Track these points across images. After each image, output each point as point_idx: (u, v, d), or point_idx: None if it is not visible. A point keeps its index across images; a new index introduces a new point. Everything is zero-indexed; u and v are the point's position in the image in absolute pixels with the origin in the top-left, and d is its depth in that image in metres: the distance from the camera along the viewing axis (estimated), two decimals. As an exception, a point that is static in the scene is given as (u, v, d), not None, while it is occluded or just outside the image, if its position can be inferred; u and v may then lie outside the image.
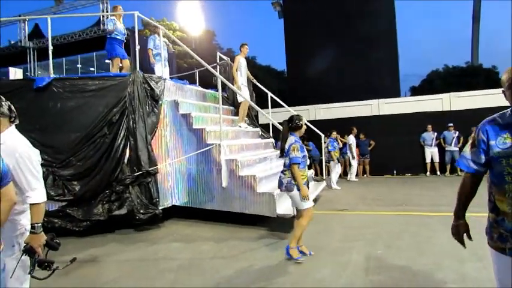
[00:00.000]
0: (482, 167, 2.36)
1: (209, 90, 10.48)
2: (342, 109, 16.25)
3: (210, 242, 6.21)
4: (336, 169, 12.10)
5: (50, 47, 7.93)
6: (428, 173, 14.09)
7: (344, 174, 13.66)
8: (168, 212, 7.66)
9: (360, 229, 6.68)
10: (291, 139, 5.24)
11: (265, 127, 11.17)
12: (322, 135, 11.61)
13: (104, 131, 7.06)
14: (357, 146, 13.88)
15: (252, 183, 6.90)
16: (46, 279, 2.71)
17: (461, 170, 2.55)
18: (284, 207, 6.69)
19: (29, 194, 2.66)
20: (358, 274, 4.57)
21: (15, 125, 2.86)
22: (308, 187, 5.26)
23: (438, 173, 13.93)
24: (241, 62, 9.81)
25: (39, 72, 23.48)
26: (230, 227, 7.14)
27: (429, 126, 14.00)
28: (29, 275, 2.73)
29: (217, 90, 10.41)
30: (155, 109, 7.45)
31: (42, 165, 6.61)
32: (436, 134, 13.91)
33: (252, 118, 11.09)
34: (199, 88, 10.15)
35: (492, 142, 2.25)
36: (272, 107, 11.47)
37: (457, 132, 13.45)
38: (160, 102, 7.55)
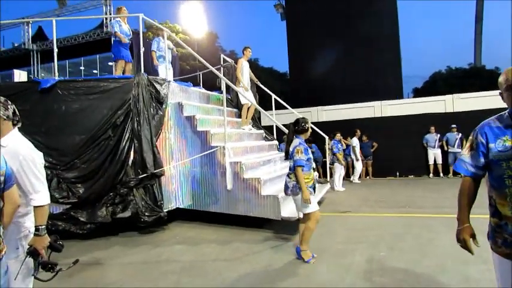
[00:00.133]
0: (481, 170, 2.33)
1: (213, 93, 10.48)
2: (345, 111, 16.26)
3: (214, 245, 6.20)
4: (340, 171, 12.13)
5: (55, 49, 7.94)
6: (431, 174, 14.05)
7: (347, 176, 13.64)
8: (172, 215, 7.64)
9: (363, 231, 6.67)
10: (296, 142, 5.22)
11: (268, 129, 11.18)
12: (326, 137, 11.60)
13: (109, 134, 7.05)
14: (360, 147, 13.86)
15: (256, 185, 6.89)
16: (49, 281, 2.71)
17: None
18: (289, 210, 6.67)
19: (33, 196, 2.67)
20: (361, 276, 4.56)
21: (19, 127, 2.88)
22: (315, 190, 5.22)
23: (441, 174, 13.89)
24: (244, 64, 9.84)
25: (43, 75, 23.55)
26: (234, 229, 7.12)
27: (432, 128, 13.97)
28: (33, 277, 2.74)
29: (221, 92, 10.46)
30: (159, 111, 7.44)
31: (46, 167, 6.66)
32: (439, 135, 13.88)
33: (256, 120, 11.09)
34: (203, 90, 10.15)
35: (491, 145, 2.23)
36: (275, 109, 11.47)
37: (460, 134, 13.42)
38: (164, 104, 7.54)
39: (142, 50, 8.06)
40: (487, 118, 2.37)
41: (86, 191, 6.92)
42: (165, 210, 7.10)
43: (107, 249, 6.23)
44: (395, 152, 14.34)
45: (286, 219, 6.48)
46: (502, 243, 2.21)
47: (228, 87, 8.57)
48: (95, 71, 25.16)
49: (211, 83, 12.18)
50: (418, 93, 39.26)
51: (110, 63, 22.94)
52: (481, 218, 2.39)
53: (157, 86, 7.50)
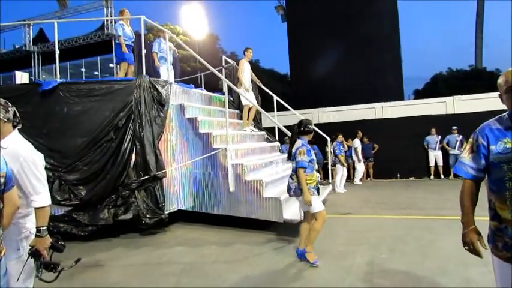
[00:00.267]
0: (482, 173, 2.31)
1: (215, 94, 10.48)
2: (346, 112, 16.26)
3: (215, 246, 6.20)
4: (342, 172, 12.14)
5: (57, 51, 7.96)
6: (432, 176, 14.04)
7: (347, 177, 13.63)
8: (174, 216, 7.65)
9: (364, 233, 6.67)
10: (298, 143, 5.22)
11: (269, 130, 11.17)
12: (328, 139, 11.61)
13: (110, 136, 7.05)
14: (361, 149, 13.86)
15: (258, 187, 6.87)
16: (51, 282, 2.73)
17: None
18: (291, 212, 6.66)
19: (33, 198, 2.68)
20: (362, 278, 4.56)
21: (20, 129, 2.88)
22: (318, 192, 5.22)
23: (442, 176, 13.87)
24: (245, 66, 9.85)
25: (44, 77, 23.54)
26: (236, 231, 7.11)
27: (433, 130, 13.96)
28: (33, 278, 2.76)
29: (222, 94, 10.47)
30: (161, 113, 7.44)
31: (48, 169, 6.70)
32: (440, 137, 13.86)
33: (258, 121, 11.09)
34: (205, 92, 10.14)
35: (492, 147, 2.21)
36: (276, 110, 11.47)
37: (461, 136, 13.42)
38: (166, 106, 7.54)
39: (144, 52, 8.06)
40: (488, 120, 2.36)
41: (88, 193, 6.92)
42: (166, 212, 7.10)
43: (108, 251, 6.23)
44: (396, 154, 14.32)
45: (289, 221, 6.46)
46: (503, 247, 2.19)
47: (229, 88, 8.57)
48: (96, 73, 25.14)
49: (212, 85, 12.19)
50: (419, 94, 39.21)
51: (111, 65, 22.99)
52: (481, 220, 2.39)
53: (159, 88, 7.50)
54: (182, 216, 7.95)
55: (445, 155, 13.83)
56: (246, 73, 9.83)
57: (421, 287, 4.29)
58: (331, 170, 11.95)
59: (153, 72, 9.32)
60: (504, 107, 2.25)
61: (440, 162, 13.88)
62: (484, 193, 2.38)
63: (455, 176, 13.21)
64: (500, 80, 2.24)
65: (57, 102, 7.23)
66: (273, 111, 11.07)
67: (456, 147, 13.45)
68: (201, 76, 13.32)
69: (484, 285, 4.06)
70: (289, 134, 6.83)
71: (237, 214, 7.15)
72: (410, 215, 7.97)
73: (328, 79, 27.60)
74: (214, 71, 8.35)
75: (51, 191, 6.75)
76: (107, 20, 21.89)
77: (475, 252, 2.31)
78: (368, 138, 14.40)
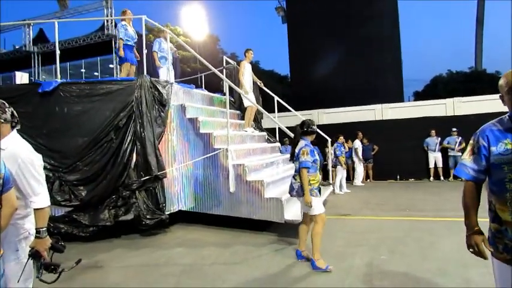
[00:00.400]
0: (483, 174, 2.30)
1: (216, 95, 10.47)
2: (346, 114, 16.27)
3: (216, 247, 6.19)
4: (342, 174, 12.16)
5: (57, 52, 7.95)
6: (431, 178, 14.05)
7: (347, 179, 13.62)
8: (175, 217, 7.63)
9: (364, 234, 6.67)
10: (302, 143, 5.21)
11: (270, 131, 11.16)
12: (329, 140, 11.61)
13: (111, 136, 7.03)
14: (361, 150, 13.87)
15: (259, 188, 6.86)
16: (51, 283, 2.71)
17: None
18: (292, 212, 6.64)
19: (33, 199, 2.67)
20: (361, 280, 4.56)
21: (18, 129, 2.87)
22: (320, 192, 5.20)
23: (442, 178, 13.88)
24: (246, 67, 9.84)
25: (44, 77, 23.54)
26: (237, 232, 7.10)
27: (433, 131, 13.98)
28: (32, 279, 2.76)
29: (223, 95, 10.47)
30: (162, 113, 7.43)
31: (48, 170, 6.72)
32: (439, 139, 13.89)
33: (258, 122, 11.09)
34: (206, 92, 10.13)
35: (493, 148, 2.21)
36: (277, 111, 11.47)
37: (460, 138, 13.45)
38: (167, 106, 7.53)
39: (144, 52, 8.06)
40: (488, 122, 2.36)
41: (88, 193, 6.90)
42: (167, 213, 7.08)
43: (108, 252, 6.22)
44: (396, 155, 14.36)
45: (290, 222, 6.44)
46: (503, 249, 2.19)
47: (230, 89, 8.57)
48: (96, 73, 25.15)
49: (213, 85, 12.19)
50: (418, 96, 39.31)
51: (111, 66, 23.00)
52: (480, 221, 2.39)
53: (160, 88, 7.49)
54: (183, 217, 7.93)
55: (445, 156, 13.85)
56: (247, 75, 9.83)
57: (420, 287, 4.29)
58: (332, 171, 11.96)
59: (153, 72, 9.32)
60: (504, 108, 2.25)
61: (440, 164, 13.90)
62: (484, 194, 2.37)
63: (455, 177, 13.32)
64: (502, 82, 2.24)
65: (58, 103, 7.22)
66: (274, 112, 11.06)
67: (455, 149, 13.48)
68: (201, 77, 13.34)
69: (484, 286, 4.06)
70: (291, 134, 6.84)
71: (238, 215, 7.13)
72: (410, 217, 7.98)
73: (328, 80, 27.60)
74: (216, 71, 8.34)
75: (51, 191, 6.80)
76: (107, 21, 21.90)
77: (480, 254, 2.30)
78: (368, 139, 14.41)
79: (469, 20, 52.43)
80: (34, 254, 2.63)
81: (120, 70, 8.93)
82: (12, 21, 25.44)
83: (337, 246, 5.99)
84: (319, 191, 5.18)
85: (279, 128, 10.67)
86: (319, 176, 5.26)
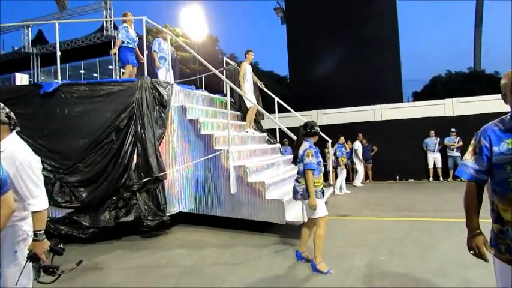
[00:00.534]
0: (485, 175, 2.28)
1: (216, 96, 10.47)
2: (345, 114, 16.30)
3: (216, 249, 6.18)
4: (343, 174, 12.19)
5: (58, 53, 7.94)
6: (431, 178, 14.07)
7: (347, 179, 13.62)
8: (175, 218, 7.62)
9: (363, 235, 6.68)
10: (305, 144, 5.14)
11: (270, 132, 11.18)
12: (329, 141, 11.63)
13: (112, 137, 7.02)
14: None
15: (260, 189, 6.85)
16: (49, 283, 2.73)
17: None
18: (293, 214, 6.64)
19: (30, 201, 2.66)
20: (361, 280, 4.57)
21: (21, 131, 2.86)
22: (323, 194, 5.16)
23: (441, 178, 13.90)
24: (246, 68, 9.86)
25: (43, 78, 23.57)
26: (238, 233, 7.10)
27: (432, 132, 14.01)
28: (31, 281, 2.75)
29: (223, 96, 10.47)
30: (163, 115, 7.41)
31: (49, 171, 6.72)
32: (438, 139, 13.92)
33: (259, 123, 11.08)
34: (207, 93, 10.13)
35: (495, 148, 2.19)
36: (275, 112, 11.47)
37: (458, 138, 13.49)
38: (168, 107, 7.52)
39: (145, 53, 8.08)
40: (487, 122, 2.34)
41: (89, 194, 6.89)
42: (168, 214, 7.06)
43: (108, 253, 6.21)
44: (395, 156, 14.39)
45: (291, 223, 6.44)
46: (506, 250, 2.17)
47: (230, 90, 8.56)
48: (95, 75, 25.20)
49: (212, 86, 12.19)
50: (418, 97, 39.35)
51: (110, 67, 23.02)
52: (482, 221, 2.40)
53: (161, 89, 7.48)
54: (183, 218, 7.93)
55: (444, 157, 13.88)
56: (247, 76, 9.85)
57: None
58: (332, 172, 11.97)
59: (152, 72, 9.31)
60: (503, 108, 2.25)
61: (439, 164, 13.93)
62: (485, 195, 2.37)
63: (454, 178, 13.39)
64: (503, 81, 2.24)
65: (58, 104, 7.20)
66: (274, 113, 11.07)
67: (454, 149, 13.52)
68: (200, 78, 13.34)
69: (484, 287, 4.08)
70: (292, 135, 6.85)
71: (239, 216, 7.12)
72: (410, 217, 7.99)
73: (328, 81, 27.60)
74: (217, 72, 8.34)
75: (51, 193, 6.80)
76: (106, 22, 21.92)
77: (481, 256, 2.30)
78: (367, 140, 14.43)
79: (468, 20, 52.51)
80: (32, 257, 2.63)
81: (122, 73, 8.93)
82: (12, 23, 25.43)
83: (337, 246, 5.99)
84: (323, 193, 5.14)
85: (279, 128, 10.69)
86: (322, 178, 5.21)
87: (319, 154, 5.18)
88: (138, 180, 6.93)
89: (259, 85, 10.76)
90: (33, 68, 24.19)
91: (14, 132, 2.80)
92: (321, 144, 12.21)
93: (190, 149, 7.75)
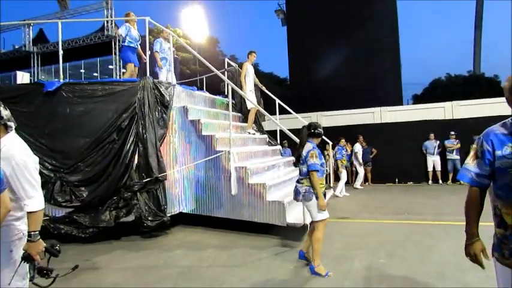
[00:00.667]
0: (488, 179, 2.25)
1: (217, 97, 10.47)
2: (345, 116, 16.33)
3: (215, 250, 6.17)
4: (344, 177, 12.22)
5: (61, 52, 7.94)
6: (430, 181, 14.08)
7: (346, 182, 13.64)
8: (176, 219, 7.61)
9: (362, 237, 6.67)
10: (309, 146, 5.09)
11: (271, 134, 11.19)
12: (330, 143, 11.64)
13: (113, 137, 7.02)
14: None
15: (261, 191, 6.84)
16: (45, 287, 2.72)
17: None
18: (294, 216, 6.64)
19: (26, 202, 2.65)
20: (360, 283, 4.57)
21: (19, 129, 2.83)
22: (325, 196, 5.16)
23: (440, 181, 13.91)
24: (248, 69, 9.87)
25: (43, 77, 23.59)
26: (238, 235, 7.09)
27: (431, 135, 14.02)
28: (26, 280, 2.75)
29: (224, 97, 10.47)
30: (164, 115, 7.41)
31: (50, 170, 6.73)
32: (438, 142, 13.93)
33: (260, 125, 11.09)
34: (208, 94, 10.13)
35: (498, 152, 2.17)
36: (276, 114, 11.47)
37: (457, 141, 13.52)
38: (169, 108, 7.52)
39: (148, 53, 8.09)
40: (486, 125, 2.34)
41: (90, 194, 6.89)
42: (168, 215, 7.06)
43: (107, 253, 6.20)
44: (395, 158, 14.39)
45: (292, 225, 6.44)
46: (510, 255, 2.15)
47: (232, 91, 8.57)
48: (95, 74, 25.19)
49: (213, 87, 12.20)
50: (417, 100, 39.41)
51: (111, 66, 23.02)
52: (486, 226, 2.41)
53: (163, 90, 7.48)
54: (184, 219, 7.92)
55: (443, 160, 13.88)
56: (250, 76, 9.87)
57: (419, 290, 4.32)
58: (334, 174, 11.98)
59: (153, 72, 9.31)
60: (503, 112, 2.25)
61: (439, 167, 13.93)
62: (487, 199, 2.35)
63: (454, 181, 13.40)
64: (506, 84, 2.24)
65: (60, 103, 7.21)
66: (274, 114, 11.07)
67: (454, 152, 13.55)
68: (201, 79, 13.35)
69: (482, 290, 4.09)
70: (293, 137, 6.85)
71: (240, 217, 7.11)
72: (409, 220, 7.97)
73: (328, 83, 27.66)
74: (219, 73, 8.34)
75: (52, 192, 6.82)
76: (107, 22, 21.93)
77: (478, 262, 2.29)
78: (367, 142, 14.43)
79: (468, 23, 52.57)
80: (26, 257, 2.63)
81: (123, 73, 8.93)
82: (13, 21, 25.44)
83: (336, 249, 5.98)
84: (324, 195, 5.13)
85: (279, 130, 10.70)
86: (324, 180, 5.19)
87: (322, 156, 5.16)
88: (139, 181, 6.92)
89: (260, 87, 10.77)
90: (34, 66, 24.19)
91: (13, 132, 2.79)
92: (320, 146, 12.25)
93: (191, 150, 7.75)
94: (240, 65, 10.64)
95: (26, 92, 7.45)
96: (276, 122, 8.86)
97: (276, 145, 10.69)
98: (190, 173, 7.73)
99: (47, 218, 6.80)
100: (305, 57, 29.68)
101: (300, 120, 10.36)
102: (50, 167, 6.97)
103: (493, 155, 2.20)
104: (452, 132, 13.60)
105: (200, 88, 11.66)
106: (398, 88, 30.67)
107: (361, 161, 13.60)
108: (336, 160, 12.04)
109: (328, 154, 12.05)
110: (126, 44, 8.69)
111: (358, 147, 13.64)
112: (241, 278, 4.88)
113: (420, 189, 13.14)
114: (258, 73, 10.46)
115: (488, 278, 4.13)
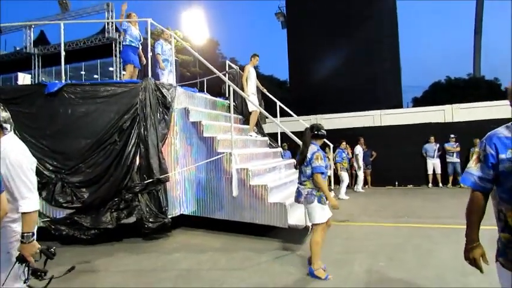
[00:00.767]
0: (490, 183, 2.23)
1: (218, 99, 10.47)
2: (344, 119, 16.34)
3: (215, 252, 6.16)
4: (346, 179, 12.22)
5: (63, 53, 7.98)
6: (430, 184, 14.08)
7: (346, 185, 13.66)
8: (176, 221, 7.59)
9: (362, 240, 6.65)
10: (313, 147, 5.06)
11: (271, 136, 11.18)
12: (331, 145, 11.65)
13: (115, 138, 7.02)
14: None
15: (262, 193, 6.83)
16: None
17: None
18: (296, 218, 6.63)
19: (20, 202, 2.64)
20: (360, 286, 4.56)
21: (20, 130, 2.83)
22: (327, 198, 5.16)
23: (440, 184, 13.90)
24: (251, 71, 9.89)
25: (44, 79, 23.60)
26: (239, 237, 7.08)
27: (431, 138, 14.02)
28: (20, 282, 2.73)
29: (225, 99, 10.48)
30: (166, 116, 7.42)
31: (51, 171, 6.73)
32: (438, 145, 13.93)
33: (260, 127, 11.09)
34: (209, 96, 10.13)
35: (502, 155, 2.15)
36: (277, 116, 11.46)
37: (457, 144, 13.54)
38: (171, 109, 7.52)
39: (149, 54, 8.10)
40: (486, 128, 2.33)
41: (91, 195, 6.88)
42: (169, 217, 7.05)
43: (107, 255, 6.18)
44: (394, 161, 14.39)
45: (293, 227, 6.43)
46: None
47: (233, 93, 8.57)
48: (95, 76, 25.21)
49: (214, 90, 12.21)
50: (417, 102, 39.40)
51: (111, 68, 23.05)
52: (489, 229, 2.41)
53: (164, 91, 7.48)
54: (185, 221, 7.90)
55: (443, 163, 13.89)
56: (252, 78, 9.88)
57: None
58: (335, 176, 11.98)
59: (153, 74, 9.30)
60: (503, 115, 2.25)
61: (439, 170, 13.93)
62: (489, 203, 2.33)
63: (454, 184, 13.41)
64: (509, 86, 2.25)
65: (62, 104, 7.20)
66: (275, 117, 11.07)
67: (454, 155, 13.56)
68: (201, 81, 13.37)
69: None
70: (296, 139, 6.85)
71: (241, 219, 7.09)
72: (409, 223, 7.96)
73: (328, 83, 27.73)
74: (221, 75, 8.35)
75: (53, 192, 6.83)
76: (107, 24, 21.97)
77: (477, 267, 2.29)
78: (366, 145, 14.43)
79: (468, 25, 52.65)
80: (20, 259, 2.62)
81: (123, 74, 8.93)
82: (15, 23, 25.47)
83: (336, 252, 5.95)
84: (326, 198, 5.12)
85: (280, 132, 10.71)
86: (327, 183, 5.16)
87: (326, 158, 5.15)
88: (140, 182, 6.91)
89: (262, 89, 10.79)
90: (35, 68, 24.22)
91: (11, 133, 2.79)
92: (321, 149, 12.25)
93: (193, 152, 7.74)
94: (242, 68, 10.66)
95: (27, 93, 7.41)
96: (278, 124, 8.84)
97: (276, 147, 10.68)
98: (191, 175, 7.72)
99: (48, 219, 6.82)
100: (305, 60, 29.75)
101: (301, 122, 10.37)
102: (51, 168, 6.96)
103: (497, 158, 2.18)
104: (452, 135, 13.61)
105: (201, 90, 11.69)
106: (398, 90, 30.73)
107: (361, 164, 13.60)
108: (335, 163, 12.04)
109: (328, 157, 12.03)
110: (127, 43, 8.68)
111: (359, 150, 13.65)
112: (241, 281, 4.87)
113: (420, 192, 13.13)
114: (258, 76, 10.47)
115: (489, 282, 4.15)
